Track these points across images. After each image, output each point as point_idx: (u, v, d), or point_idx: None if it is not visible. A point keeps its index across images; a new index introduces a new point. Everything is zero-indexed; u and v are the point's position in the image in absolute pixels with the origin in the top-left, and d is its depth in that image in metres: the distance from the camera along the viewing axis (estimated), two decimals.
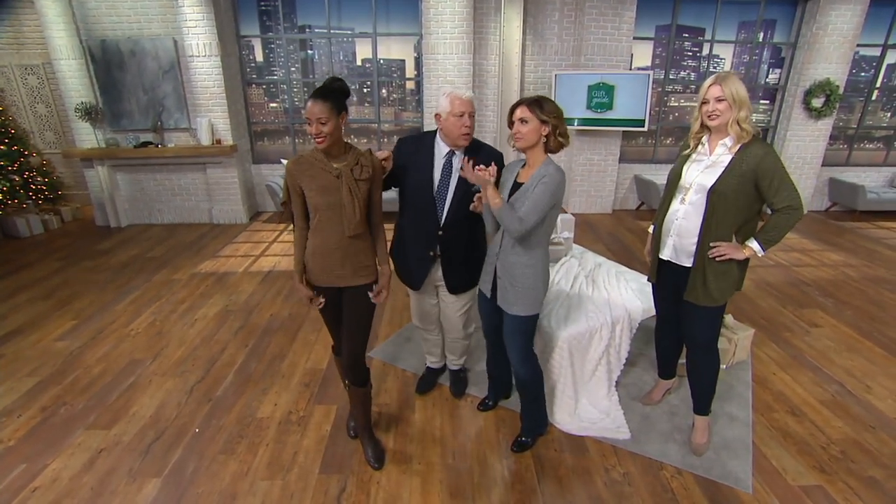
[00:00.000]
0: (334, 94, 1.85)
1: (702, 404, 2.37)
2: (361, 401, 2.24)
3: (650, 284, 2.43)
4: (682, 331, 2.33)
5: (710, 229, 2.01)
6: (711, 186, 1.98)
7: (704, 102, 1.97)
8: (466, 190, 2.18)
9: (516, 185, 2.03)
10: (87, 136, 5.98)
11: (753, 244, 1.99)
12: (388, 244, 2.51)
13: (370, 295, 2.11)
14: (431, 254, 2.33)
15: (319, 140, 1.86)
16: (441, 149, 2.24)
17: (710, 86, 1.94)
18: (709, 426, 2.42)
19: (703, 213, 2.02)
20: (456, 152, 2.23)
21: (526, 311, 2.09)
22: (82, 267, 4.81)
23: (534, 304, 2.10)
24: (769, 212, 1.99)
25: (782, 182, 1.89)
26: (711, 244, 2.02)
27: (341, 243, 1.99)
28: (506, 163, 2.27)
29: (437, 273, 2.40)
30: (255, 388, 2.85)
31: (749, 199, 1.97)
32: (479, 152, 2.24)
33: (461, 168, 2.02)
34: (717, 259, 2.02)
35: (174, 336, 3.46)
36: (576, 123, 6.34)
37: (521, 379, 2.27)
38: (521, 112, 1.94)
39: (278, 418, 2.60)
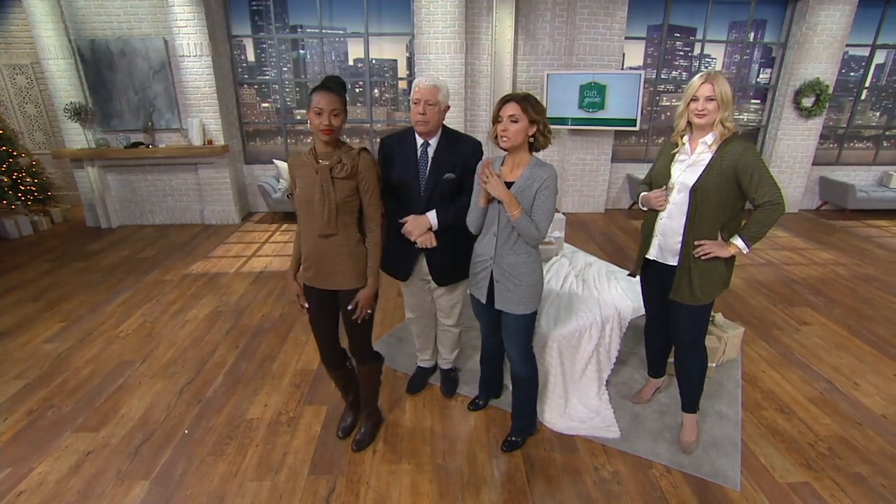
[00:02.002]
0: (342, 88, 1.86)
1: (690, 402, 2.38)
2: (373, 377, 2.33)
3: (640, 284, 2.44)
4: (669, 329, 2.33)
5: (695, 228, 2.02)
6: (693, 185, 1.98)
7: (694, 100, 1.96)
8: (438, 179, 2.19)
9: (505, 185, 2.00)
10: (77, 137, 5.93)
11: (738, 241, 1.99)
12: None
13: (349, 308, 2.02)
14: (414, 243, 2.27)
15: (327, 132, 1.82)
16: (417, 139, 2.24)
17: (701, 84, 1.92)
18: (697, 424, 2.43)
19: (686, 212, 2.03)
20: (430, 142, 2.21)
21: (530, 309, 2.09)
22: (72, 268, 4.77)
23: (536, 300, 2.10)
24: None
25: (762, 177, 1.90)
26: (696, 243, 2.03)
27: (311, 242, 1.96)
28: (484, 150, 2.25)
29: (424, 267, 2.38)
30: (245, 389, 2.84)
31: (731, 196, 1.98)
32: (449, 143, 2.22)
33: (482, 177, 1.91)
34: (702, 258, 2.03)
35: (164, 337, 3.44)
36: (568, 123, 6.35)
37: (520, 377, 2.26)
38: (511, 108, 1.84)
39: (268, 419, 2.59)
